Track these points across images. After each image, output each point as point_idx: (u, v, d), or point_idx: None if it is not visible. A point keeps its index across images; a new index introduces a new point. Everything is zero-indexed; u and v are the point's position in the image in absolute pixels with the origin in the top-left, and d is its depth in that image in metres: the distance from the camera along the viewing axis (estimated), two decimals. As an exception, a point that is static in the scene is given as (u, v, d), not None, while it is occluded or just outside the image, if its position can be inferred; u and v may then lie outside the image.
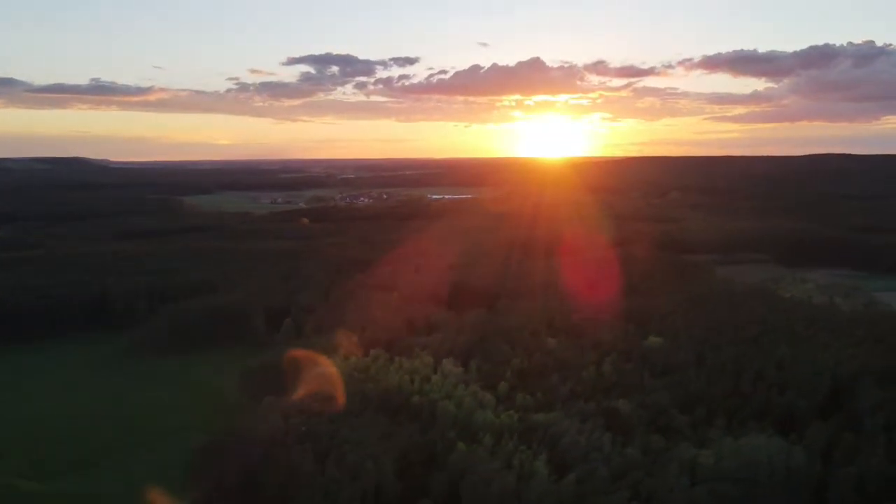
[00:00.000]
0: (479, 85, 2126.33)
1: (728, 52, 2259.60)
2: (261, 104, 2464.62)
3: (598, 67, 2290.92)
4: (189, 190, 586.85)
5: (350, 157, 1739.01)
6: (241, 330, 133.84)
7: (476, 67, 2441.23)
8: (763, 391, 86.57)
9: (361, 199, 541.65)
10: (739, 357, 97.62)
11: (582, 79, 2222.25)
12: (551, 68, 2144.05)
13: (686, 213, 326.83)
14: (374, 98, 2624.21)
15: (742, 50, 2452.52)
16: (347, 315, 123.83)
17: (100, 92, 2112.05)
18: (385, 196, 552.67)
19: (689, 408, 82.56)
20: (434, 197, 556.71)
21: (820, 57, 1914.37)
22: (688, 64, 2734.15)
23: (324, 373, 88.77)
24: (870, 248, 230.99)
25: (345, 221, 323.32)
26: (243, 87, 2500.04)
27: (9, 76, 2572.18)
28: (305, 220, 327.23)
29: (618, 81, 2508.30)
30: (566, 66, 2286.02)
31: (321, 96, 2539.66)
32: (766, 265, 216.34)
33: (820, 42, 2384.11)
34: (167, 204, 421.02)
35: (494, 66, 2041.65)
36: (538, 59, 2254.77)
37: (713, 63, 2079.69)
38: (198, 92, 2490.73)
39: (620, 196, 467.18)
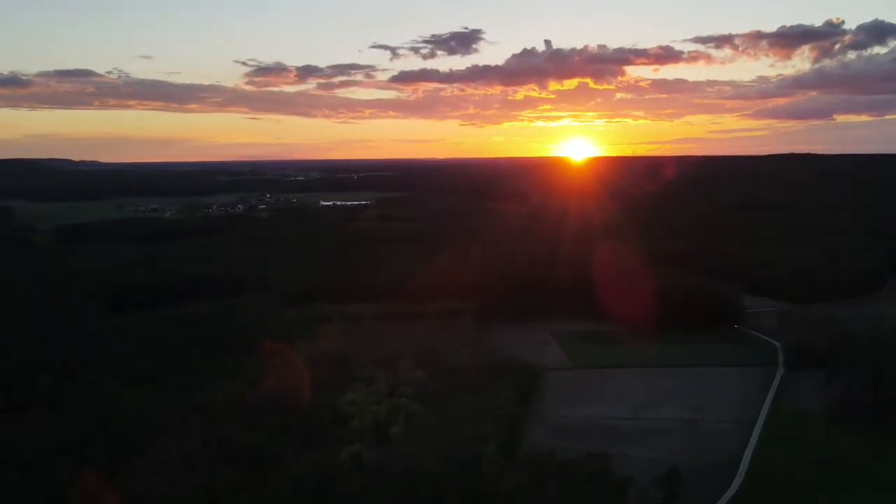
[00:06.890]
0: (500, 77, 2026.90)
1: (773, 31, 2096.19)
2: (269, 103, 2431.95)
3: (618, 56, 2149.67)
4: (78, 195, 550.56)
5: (361, 159, 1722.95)
6: None
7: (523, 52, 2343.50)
8: None
9: (238, 206, 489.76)
10: None
11: (599, 67, 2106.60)
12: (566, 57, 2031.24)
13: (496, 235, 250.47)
14: (394, 95, 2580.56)
15: (785, 26, 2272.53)
16: None
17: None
18: (262, 205, 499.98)
19: None
20: (324, 203, 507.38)
21: (868, 40, 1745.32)
22: (721, 48, 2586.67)
23: None
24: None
25: (89, 242, 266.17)
26: (255, 83, 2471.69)
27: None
28: (38, 239, 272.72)
29: (637, 71, 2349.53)
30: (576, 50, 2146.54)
31: (354, 90, 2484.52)
32: (458, 321, 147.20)
33: (883, 18, 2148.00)
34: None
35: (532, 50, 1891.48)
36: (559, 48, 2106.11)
37: (751, 43, 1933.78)
38: (215, 86, 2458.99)
39: (513, 204, 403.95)
